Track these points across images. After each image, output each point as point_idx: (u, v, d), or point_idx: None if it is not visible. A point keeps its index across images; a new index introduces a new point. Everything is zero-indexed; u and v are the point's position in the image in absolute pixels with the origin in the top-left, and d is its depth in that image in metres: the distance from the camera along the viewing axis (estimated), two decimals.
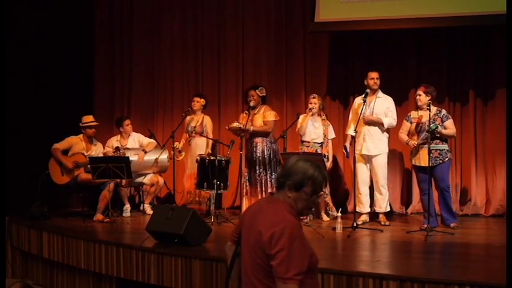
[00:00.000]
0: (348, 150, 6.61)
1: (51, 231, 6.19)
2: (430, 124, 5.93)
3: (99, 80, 8.82)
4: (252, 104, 7.02)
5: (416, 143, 6.11)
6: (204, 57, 8.40)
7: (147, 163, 7.26)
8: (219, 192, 6.74)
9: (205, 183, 6.67)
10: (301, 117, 6.86)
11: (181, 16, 8.52)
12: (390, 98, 6.65)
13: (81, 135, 7.30)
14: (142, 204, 7.52)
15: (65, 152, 7.19)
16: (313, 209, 2.69)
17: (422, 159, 6.08)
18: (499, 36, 6.85)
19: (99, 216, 6.84)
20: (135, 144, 7.45)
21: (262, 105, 7.12)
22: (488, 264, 4.79)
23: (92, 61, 8.79)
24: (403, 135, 6.34)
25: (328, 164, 6.82)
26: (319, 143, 6.81)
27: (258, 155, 6.97)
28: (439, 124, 6.04)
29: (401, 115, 6.65)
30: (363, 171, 6.52)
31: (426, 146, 5.97)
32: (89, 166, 6.70)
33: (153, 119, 8.57)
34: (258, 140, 7.00)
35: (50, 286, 6.34)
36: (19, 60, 7.54)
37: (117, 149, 7.09)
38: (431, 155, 5.95)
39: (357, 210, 6.45)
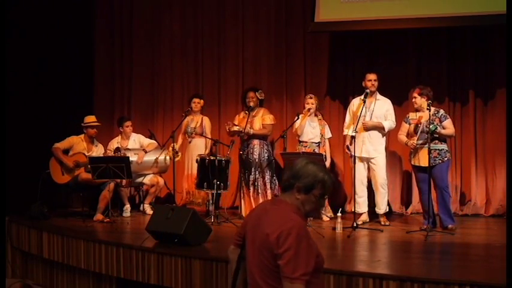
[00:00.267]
0: (351, 150, 6.58)
1: (51, 231, 6.19)
2: (429, 125, 5.93)
3: (99, 80, 8.82)
4: (251, 105, 7.04)
5: (415, 143, 6.11)
6: (204, 57, 8.41)
7: (147, 163, 7.26)
8: (219, 192, 6.74)
9: (205, 183, 6.68)
10: (300, 116, 6.86)
11: (181, 16, 8.52)
12: (389, 100, 6.65)
13: (82, 135, 7.30)
14: (142, 204, 7.52)
15: (66, 151, 7.19)
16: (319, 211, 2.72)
17: (422, 159, 6.08)
18: (499, 36, 6.85)
19: (99, 216, 6.84)
20: (135, 145, 7.45)
21: (260, 108, 7.15)
22: (488, 264, 4.79)
23: (92, 61, 8.79)
24: (402, 137, 6.34)
25: (327, 164, 6.84)
26: (316, 143, 6.82)
27: (255, 156, 7.00)
28: (437, 124, 6.04)
29: (401, 115, 6.64)
30: (360, 172, 6.52)
31: (425, 146, 5.96)
32: (89, 166, 6.70)
33: (153, 119, 8.57)
34: (256, 142, 7.03)
35: (50, 286, 6.34)
36: (19, 60, 7.54)
37: (117, 149, 7.09)
38: (430, 155, 5.95)
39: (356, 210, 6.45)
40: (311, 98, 6.87)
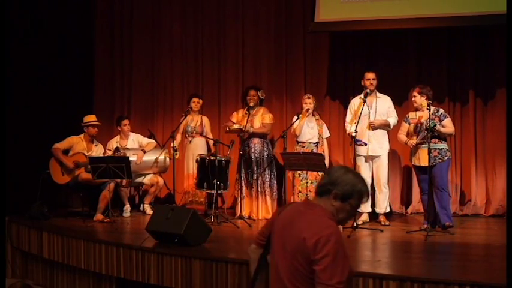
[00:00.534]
0: (360, 140, 6.47)
1: (51, 231, 6.19)
2: (429, 124, 5.93)
3: (99, 80, 8.82)
4: (251, 103, 7.05)
5: (415, 142, 6.11)
6: (204, 57, 8.40)
7: (147, 163, 7.26)
8: (219, 192, 6.75)
9: (205, 183, 6.68)
10: (300, 117, 6.85)
11: (181, 16, 8.51)
12: (388, 97, 6.68)
13: (82, 135, 7.30)
14: (142, 204, 7.52)
15: (66, 151, 7.19)
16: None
17: (422, 159, 6.07)
18: (499, 36, 6.85)
19: (99, 216, 6.84)
20: (134, 144, 7.45)
21: (260, 107, 7.17)
22: (488, 264, 4.79)
23: (92, 61, 8.78)
24: (402, 136, 6.34)
25: (325, 163, 6.84)
26: (314, 143, 6.82)
27: (256, 155, 7.01)
28: (437, 123, 6.04)
29: (401, 115, 6.64)
30: (365, 171, 6.49)
31: (425, 145, 5.96)
32: (89, 166, 6.70)
33: (153, 119, 8.57)
34: (256, 140, 7.04)
35: (50, 286, 6.34)
36: (19, 61, 7.54)
37: (116, 149, 7.09)
38: (430, 154, 5.95)
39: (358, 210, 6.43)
40: (309, 97, 6.87)
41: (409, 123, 6.27)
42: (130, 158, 6.72)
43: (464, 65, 7.36)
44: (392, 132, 6.71)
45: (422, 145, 6.04)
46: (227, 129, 7.07)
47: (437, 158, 6.05)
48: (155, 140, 7.69)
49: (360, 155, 6.52)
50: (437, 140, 6.07)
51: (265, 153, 7.05)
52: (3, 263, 6.39)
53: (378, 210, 6.62)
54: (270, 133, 7.22)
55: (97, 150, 7.32)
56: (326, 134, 6.97)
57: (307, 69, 7.95)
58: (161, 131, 8.42)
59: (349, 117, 6.77)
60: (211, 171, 6.64)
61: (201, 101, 7.58)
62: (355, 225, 6.05)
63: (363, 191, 2.61)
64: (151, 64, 8.64)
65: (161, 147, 7.43)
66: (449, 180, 6.49)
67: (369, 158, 6.56)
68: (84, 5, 8.59)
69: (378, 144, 6.53)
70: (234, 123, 7.03)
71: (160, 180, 7.42)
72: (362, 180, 2.64)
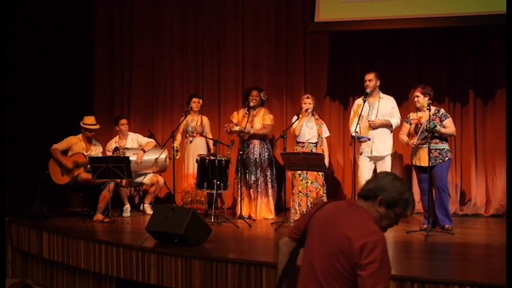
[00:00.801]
0: (364, 137, 6.44)
1: (51, 231, 6.19)
2: (429, 124, 5.93)
3: (99, 80, 8.82)
4: (252, 104, 7.05)
5: (415, 142, 6.11)
6: (204, 57, 8.40)
7: (147, 163, 7.26)
8: (219, 192, 6.75)
9: (205, 183, 6.69)
10: (295, 118, 6.84)
11: (181, 16, 8.51)
12: (392, 98, 6.63)
13: (80, 135, 7.30)
14: (142, 204, 7.52)
15: (65, 152, 7.19)
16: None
17: (423, 159, 6.07)
18: (499, 36, 6.85)
19: (99, 216, 6.84)
20: (133, 144, 7.45)
21: (261, 108, 7.17)
22: (488, 264, 4.79)
23: (92, 61, 8.78)
24: (404, 136, 6.34)
25: (326, 163, 6.84)
26: (313, 143, 6.82)
27: (256, 156, 7.02)
28: (438, 123, 6.04)
29: (401, 115, 6.64)
30: (366, 171, 6.46)
31: (426, 146, 5.96)
32: (88, 166, 6.70)
33: (153, 119, 8.57)
34: (256, 141, 7.05)
35: (50, 286, 6.34)
36: (19, 61, 7.54)
37: (116, 149, 7.09)
38: (430, 154, 5.95)
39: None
40: (308, 97, 6.87)
41: (410, 124, 6.26)
42: (130, 158, 6.72)
43: (464, 65, 7.35)
44: (394, 133, 6.69)
45: (423, 145, 6.04)
46: (228, 130, 7.08)
47: (437, 159, 6.05)
48: (155, 140, 7.69)
49: (364, 155, 6.49)
50: (438, 141, 6.06)
51: (266, 154, 7.07)
52: (3, 263, 6.39)
53: None
54: (270, 134, 7.22)
55: (96, 150, 7.32)
56: (326, 133, 6.96)
57: (307, 69, 7.95)
58: (161, 131, 8.42)
59: (351, 117, 6.77)
60: (211, 171, 6.64)
61: (201, 101, 7.58)
62: None
63: (410, 201, 2.59)
64: (151, 64, 8.64)
65: (161, 146, 7.43)
66: (449, 181, 6.49)
67: (373, 159, 6.53)
68: (84, 5, 8.59)
69: (381, 145, 6.48)
70: (236, 125, 7.03)
71: (161, 180, 7.42)
72: (409, 189, 2.63)
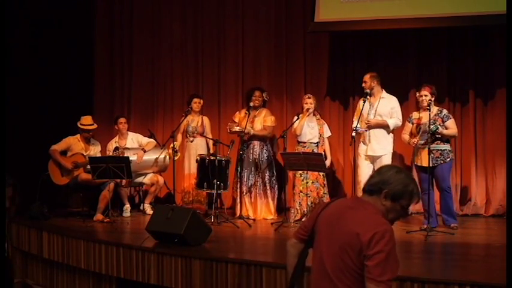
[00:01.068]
0: (359, 129, 6.40)
1: (51, 231, 6.19)
2: (429, 124, 5.92)
3: (99, 80, 8.82)
4: (255, 104, 7.05)
5: (416, 142, 6.11)
6: (204, 57, 8.40)
7: (147, 163, 7.26)
8: (219, 192, 6.75)
9: (205, 183, 6.69)
10: (300, 117, 6.86)
11: (181, 16, 8.51)
12: (395, 98, 6.60)
13: (78, 135, 7.29)
14: (142, 204, 7.52)
15: (64, 152, 7.19)
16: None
17: (424, 159, 6.07)
18: (499, 36, 6.85)
19: (99, 216, 6.84)
20: (133, 144, 7.45)
21: (263, 109, 7.17)
22: (488, 264, 4.79)
23: (91, 61, 8.78)
24: (406, 136, 6.34)
25: (327, 162, 6.85)
26: (315, 143, 6.82)
27: (255, 156, 7.03)
28: (439, 124, 6.04)
29: (402, 115, 6.64)
30: (365, 171, 6.45)
31: (427, 146, 5.96)
32: (88, 166, 6.70)
33: (153, 119, 8.57)
34: (256, 142, 7.06)
35: (50, 286, 6.33)
36: (19, 61, 7.54)
37: (116, 149, 7.09)
38: (432, 155, 5.96)
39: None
40: (309, 97, 6.87)
41: (412, 123, 6.26)
42: (130, 158, 6.72)
43: (464, 65, 7.36)
44: (396, 133, 6.68)
45: (424, 146, 6.04)
46: (228, 130, 7.08)
47: (439, 159, 6.06)
48: (155, 140, 7.69)
49: (361, 154, 6.50)
50: (439, 142, 6.08)
51: (265, 155, 7.07)
52: (3, 262, 6.39)
53: None
54: (270, 135, 7.22)
55: (94, 149, 7.33)
56: (327, 133, 6.96)
57: (307, 69, 7.95)
58: (161, 131, 8.41)
59: (354, 116, 6.77)
60: (211, 171, 6.65)
61: (202, 101, 7.58)
62: None
63: (414, 192, 2.60)
64: (151, 64, 8.64)
65: (161, 146, 7.43)
66: (451, 181, 6.50)
67: (370, 158, 6.52)
68: (84, 5, 8.58)
69: (377, 145, 6.48)
70: (237, 125, 7.03)
71: (161, 180, 7.42)
72: (414, 180, 2.64)
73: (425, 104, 6.14)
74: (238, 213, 6.98)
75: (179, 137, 7.51)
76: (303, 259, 2.80)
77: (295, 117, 6.90)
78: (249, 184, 7.03)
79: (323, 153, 6.73)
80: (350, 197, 2.64)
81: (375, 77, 6.54)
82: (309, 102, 6.81)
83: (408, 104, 7.38)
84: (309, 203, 6.59)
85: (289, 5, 8.02)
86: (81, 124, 7.27)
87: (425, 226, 5.95)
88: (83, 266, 5.72)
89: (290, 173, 7.04)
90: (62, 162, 7.06)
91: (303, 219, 6.53)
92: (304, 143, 6.82)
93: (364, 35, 7.59)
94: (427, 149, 5.96)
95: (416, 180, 6.44)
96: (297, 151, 6.69)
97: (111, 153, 7.17)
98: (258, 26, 8.17)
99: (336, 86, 7.85)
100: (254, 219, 6.94)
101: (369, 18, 7.11)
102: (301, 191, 6.67)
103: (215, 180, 6.59)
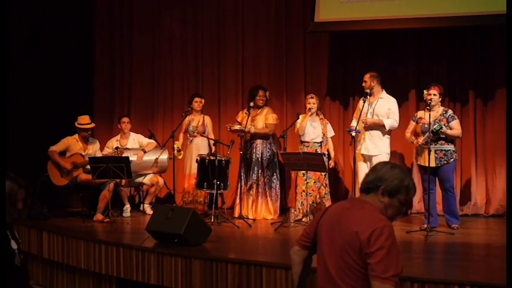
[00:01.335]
0: (354, 132, 6.40)
1: (51, 231, 6.19)
2: (432, 124, 5.93)
3: (99, 80, 8.82)
4: (260, 104, 7.05)
5: (420, 142, 6.12)
6: (204, 57, 8.40)
7: (147, 163, 7.26)
8: (219, 192, 6.75)
9: (205, 183, 6.69)
10: (300, 117, 6.88)
11: (181, 16, 8.51)
12: (394, 99, 6.60)
13: (76, 135, 7.28)
14: (142, 204, 7.51)
15: (63, 153, 7.19)
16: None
17: (427, 159, 6.07)
18: (499, 36, 6.85)
19: (99, 216, 6.84)
20: (134, 144, 7.45)
21: (264, 107, 7.17)
22: (488, 264, 4.80)
23: (91, 61, 8.78)
24: (409, 135, 6.35)
25: (331, 162, 6.85)
26: (318, 143, 6.82)
27: (258, 156, 7.02)
28: (444, 124, 6.04)
29: (401, 115, 6.64)
30: (362, 170, 6.49)
31: (432, 146, 5.98)
32: (87, 166, 6.70)
33: (153, 119, 8.57)
34: (258, 141, 7.05)
35: (50, 286, 6.33)
36: (19, 61, 7.54)
37: (116, 148, 7.09)
38: (436, 155, 5.99)
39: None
40: (312, 97, 6.87)
41: (417, 122, 6.26)
42: (131, 158, 6.72)
43: (464, 65, 7.36)
44: (394, 133, 6.68)
45: (430, 146, 6.04)
46: (229, 129, 7.08)
47: (442, 160, 6.07)
48: (155, 140, 7.69)
49: (357, 153, 6.51)
50: (443, 142, 6.09)
51: (268, 154, 7.06)
52: (3, 262, 6.37)
53: None
54: (272, 133, 7.21)
55: (93, 148, 7.33)
56: (331, 133, 6.97)
57: (307, 69, 7.95)
58: (161, 131, 8.42)
59: (354, 115, 6.78)
60: (211, 171, 6.64)
61: (203, 100, 7.57)
62: None
63: (411, 186, 2.60)
64: (151, 64, 8.64)
65: (161, 147, 7.43)
66: (454, 182, 6.50)
67: (364, 157, 6.52)
68: (84, 5, 8.58)
69: (372, 144, 6.48)
70: (239, 124, 7.03)
71: (160, 180, 7.42)
72: (409, 175, 2.64)
73: (432, 103, 6.13)
74: (238, 213, 6.97)
75: (181, 136, 7.51)
76: (308, 266, 2.80)
77: (299, 118, 6.90)
78: (251, 183, 7.02)
79: (326, 152, 6.74)
80: (348, 199, 2.64)
81: (375, 77, 6.54)
82: (312, 102, 6.81)
83: (408, 104, 7.39)
84: (310, 203, 6.60)
85: (289, 5, 8.02)
86: (78, 124, 7.26)
87: (425, 226, 5.95)
88: (83, 266, 5.72)
89: (292, 173, 7.04)
90: (61, 163, 7.06)
91: (303, 219, 6.54)
92: (308, 142, 6.82)
93: (364, 35, 7.59)
94: (432, 149, 5.97)
95: (418, 180, 6.52)
96: (300, 151, 6.68)
97: (110, 150, 7.17)
98: (258, 26, 8.17)
99: (336, 86, 7.85)
100: (254, 219, 6.94)
101: (368, 18, 7.12)
102: (303, 191, 6.68)
103: (215, 180, 6.59)
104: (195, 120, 7.47)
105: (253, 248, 5.71)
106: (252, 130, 6.98)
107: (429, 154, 5.92)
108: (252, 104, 7.03)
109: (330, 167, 6.89)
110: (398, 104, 6.74)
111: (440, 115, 6.11)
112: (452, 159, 6.11)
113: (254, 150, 7.04)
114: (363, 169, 6.49)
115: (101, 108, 8.66)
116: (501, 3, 5.46)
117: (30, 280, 6.47)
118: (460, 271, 4.52)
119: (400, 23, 7.05)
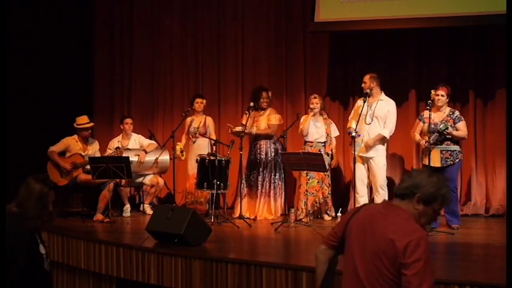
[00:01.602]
0: (355, 132, 6.38)
1: (51, 231, 6.18)
2: (439, 125, 5.94)
3: (99, 80, 8.82)
4: (264, 105, 7.05)
5: (425, 141, 6.12)
6: (204, 57, 8.41)
7: (147, 164, 7.25)
8: (219, 192, 6.74)
9: (205, 183, 6.68)
10: (302, 118, 6.88)
11: (181, 16, 8.52)
12: (393, 102, 6.58)
13: (75, 136, 7.28)
14: (142, 205, 7.51)
15: (63, 153, 7.18)
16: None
17: (433, 159, 6.07)
18: (499, 36, 6.85)
19: (99, 216, 6.84)
20: (135, 145, 7.44)
21: (268, 108, 7.16)
22: (488, 264, 4.80)
23: (92, 61, 8.78)
24: (416, 134, 6.34)
25: (333, 162, 6.85)
26: (322, 143, 6.82)
27: (262, 156, 7.02)
28: (450, 125, 6.04)
29: (401, 115, 6.65)
30: (360, 171, 6.49)
31: (438, 147, 5.99)
32: (87, 166, 6.69)
33: (153, 119, 8.57)
34: (262, 142, 7.04)
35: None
36: (19, 61, 7.54)
37: (117, 148, 7.09)
38: (442, 155, 6.00)
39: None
40: (315, 97, 6.87)
41: (424, 122, 6.25)
42: (131, 159, 6.72)
43: (464, 65, 7.36)
44: (395, 134, 6.66)
45: (436, 146, 6.04)
46: (229, 130, 7.08)
47: (448, 160, 6.08)
48: (155, 140, 7.69)
49: (354, 154, 6.51)
50: (449, 142, 6.10)
51: (272, 154, 7.04)
52: (3, 262, 6.37)
53: None
54: (274, 133, 7.18)
55: (93, 148, 7.32)
56: (335, 132, 6.96)
57: (307, 69, 7.95)
58: (161, 131, 8.42)
59: (351, 116, 6.77)
60: (211, 171, 6.64)
61: (204, 101, 7.56)
62: None
63: (447, 196, 2.57)
64: (151, 64, 8.64)
65: (161, 147, 7.43)
66: (458, 182, 6.50)
67: (362, 159, 6.50)
68: (84, 5, 8.59)
69: (370, 147, 6.49)
70: (240, 126, 7.02)
71: (161, 181, 7.41)
72: (446, 184, 2.61)
73: (439, 103, 6.14)
74: (238, 213, 6.97)
75: (183, 137, 7.51)
76: (333, 266, 2.77)
77: (297, 118, 6.90)
78: (256, 183, 7.01)
79: (330, 152, 6.73)
80: (382, 202, 2.61)
81: (375, 78, 6.53)
82: (315, 102, 6.81)
83: (408, 104, 7.39)
84: (314, 203, 6.62)
85: (289, 5, 8.02)
86: (77, 125, 7.25)
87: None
88: (83, 266, 5.72)
89: (296, 173, 7.03)
90: (60, 163, 7.06)
91: (303, 220, 6.54)
92: (311, 142, 6.82)
93: (364, 35, 7.59)
94: (438, 149, 6.00)
95: None
96: (301, 150, 6.67)
97: (111, 151, 7.17)
98: (258, 26, 8.17)
99: (335, 86, 7.85)
100: (254, 219, 6.93)
101: (368, 18, 7.12)
102: (306, 190, 6.67)
103: (215, 180, 6.59)
104: (197, 121, 7.47)
105: (253, 248, 5.71)
106: (253, 131, 6.97)
107: (429, 154, 5.92)
108: (252, 104, 7.03)
109: (332, 167, 6.89)
110: (398, 104, 6.74)
111: (447, 116, 6.11)
112: (457, 160, 6.12)
113: (258, 150, 7.03)
114: (360, 171, 6.49)
115: (101, 108, 8.66)
116: (501, 3, 5.46)
117: None
118: (460, 271, 4.51)
119: (400, 23, 7.06)
